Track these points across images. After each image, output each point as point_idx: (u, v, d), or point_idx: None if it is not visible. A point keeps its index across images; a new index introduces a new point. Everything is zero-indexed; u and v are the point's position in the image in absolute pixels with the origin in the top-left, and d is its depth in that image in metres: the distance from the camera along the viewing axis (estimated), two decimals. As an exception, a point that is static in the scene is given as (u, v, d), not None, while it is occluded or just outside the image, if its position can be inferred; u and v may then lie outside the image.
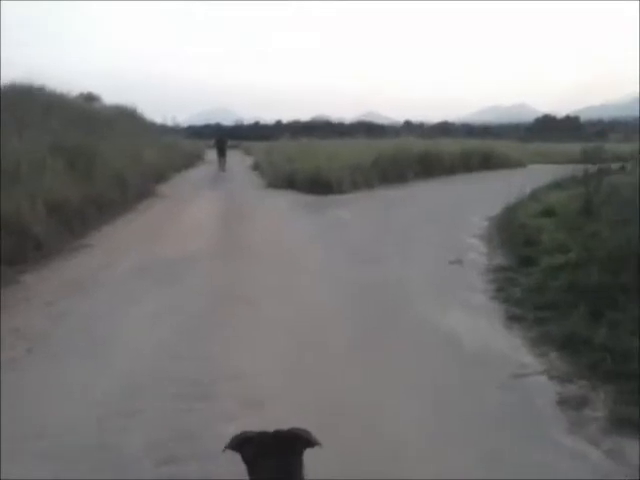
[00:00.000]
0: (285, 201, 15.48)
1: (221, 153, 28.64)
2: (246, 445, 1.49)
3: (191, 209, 14.00)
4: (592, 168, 13.17)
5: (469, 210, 13.54)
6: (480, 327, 5.48)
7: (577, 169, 20.95)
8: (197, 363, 4.64)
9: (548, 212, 11.17)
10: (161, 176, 20.35)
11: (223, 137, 30.70)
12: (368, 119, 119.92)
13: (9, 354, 4.84)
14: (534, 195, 15.64)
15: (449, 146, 27.29)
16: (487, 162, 28.03)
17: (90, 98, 28.49)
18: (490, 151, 29.47)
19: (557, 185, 17.82)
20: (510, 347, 4.94)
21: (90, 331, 5.44)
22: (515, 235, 9.53)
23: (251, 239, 10.05)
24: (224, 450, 1.50)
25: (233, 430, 1.57)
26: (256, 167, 27.61)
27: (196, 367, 4.56)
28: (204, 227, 11.34)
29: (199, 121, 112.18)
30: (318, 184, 17.28)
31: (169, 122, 42.10)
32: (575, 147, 38.74)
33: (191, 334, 5.35)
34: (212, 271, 7.84)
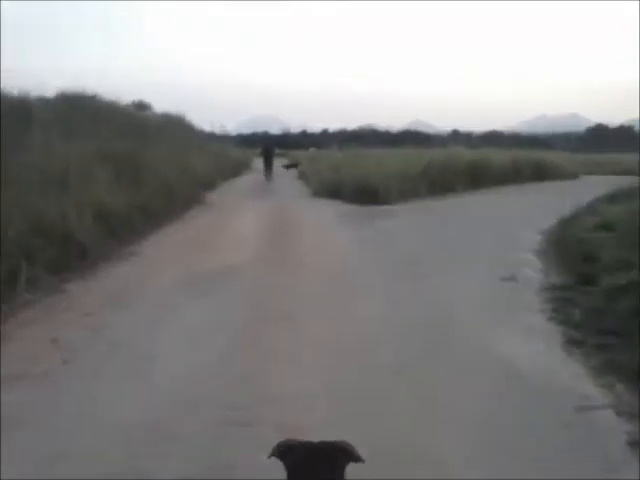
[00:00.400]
0: (331, 211, 15.25)
1: (268, 163, 27.46)
2: (290, 453, 1.48)
3: (237, 218, 13.91)
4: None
5: (521, 223, 13.07)
6: (538, 352, 5.10)
7: (635, 181, 20.36)
8: (235, 384, 4.42)
9: (606, 227, 10.65)
10: (209, 184, 20.41)
11: (270, 146, 29.63)
12: (415, 128, 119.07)
13: (45, 365, 4.73)
14: (590, 208, 15.10)
15: (499, 156, 26.74)
16: (538, 173, 27.40)
17: (141, 106, 28.86)
18: (541, 161, 28.80)
19: (614, 198, 17.15)
20: (571, 376, 4.56)
21: (128, 345, 5.29)
22: (572, 251, 9.10)
23: (297, 252, 9.84)
24: (269, 457, 1.50)
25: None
26: (302, 176, 27.57)
27: (234, 388, 4.34)
28: (249, 238, 11.19)
29: (247, 129, 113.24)
30: (364, 194, 17.01)
31: (217, 130, 42.35)
32: (630, 158, 37.68)
33: (232, 352, 5.14)
34: (256, 285, 7.62)
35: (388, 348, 5.29)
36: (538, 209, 15.89)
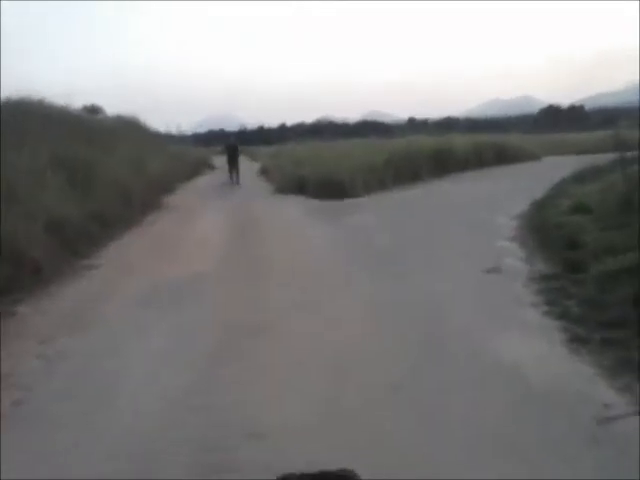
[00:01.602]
0: (297, 208, 14.71)
1: (232, 162, 23.39)
2: None
3: (199, 221, 13.29)
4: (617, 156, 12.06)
5: (493, 208, 12.76)
6: (541, 353, 4.70)
7: (595, 159, 20.32)
8: (213, 418, 3.87)
9: (581, 208, 10.37)
10: (168, 186, 19.69)
11: (234, 143, 25.14)
12: (372, 118, 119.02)
13: (-7, 408, 4.12)
14: (560, 190, 14.91)
15: (460, 141, 26.55)
16: (500, 156, 27.34)
17: (93, 110, 27.91)
18: (502, 145, 28.74)
19: (581, 177, 17.05)
20: (584, 379, 4.14)
21: (89, 377, 4.71)
22: (552, 236, 8.78)
23: (265, 254, 9.28)
24: None
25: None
26: (263, 172, 26.94)
27: (212, 423, 3.79)
28: (214, 241, 10.60)
29: (203, 128, 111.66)
30: (330, 188, 16.49)
31: (173, 131, 41.37)
32: (584, 137, 38.00)
33: (205, 377, 4.60)
34: (224, 295, 7.06)
35: (378, 359, 4.82)
36: (507, 193, 15.63)
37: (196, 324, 5.94)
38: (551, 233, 9.01)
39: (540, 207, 12.16)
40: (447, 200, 15.15)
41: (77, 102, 22.21)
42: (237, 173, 23.16)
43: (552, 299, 6.00)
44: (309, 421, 3.77)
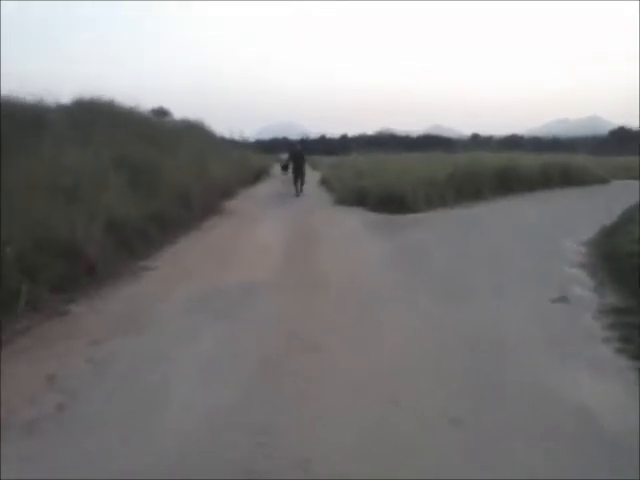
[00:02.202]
0: (357, 221, 14.41)
1: (298, 172, 21.93)
2: None
3: (258, 228, 13.20)
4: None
5: (560, 232, 12.21)
6: (615, 396, 4.31)
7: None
8: (255, 438, 3.67)
9: (656, 237, 9.76)
10: (229, 191, 19.76)
11: (300, 151, 22.88)
12: (435, 132, 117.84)
13: (35, 411, 4.03)
14: (631, 216, 14.18)
15: (527, 160, 25.78)
16: (566, 177, 26.36)
17: (160, 113, 28.39)
18: (569, 165, 27.71)
19: (653, 204, 16.20)
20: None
21: (134, 384, 4.58)
22: (624, 266, 8.26)
23: (323, 266, 9.06)
24: None
25: None
26: (324, 182, 26.76)
27: (253, 444, 3.59)
28: (271, 250, 10.45)
29: (266, 135, 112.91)
30: (391, 201, 16.19)
31: (237, 136, 41.80)
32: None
33: (252, 393, 4.41)
34: (279, 306, 6.87)
35: (435, 389, 4.51)
36: (575, 217, 15.01)
37: (248, 334, 5.78)
38: (623, 262, 8.49)
39: (610, 233, 11.56)
40: (511, 221, 14.61)
41: (146, 104, 22.59)
42: (302, 182, 22.11)
43: (626, 335, 5.56)
44: (354, 447, 3.52)
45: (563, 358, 5.15)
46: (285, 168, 32.03)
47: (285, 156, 38.33)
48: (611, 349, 5.27)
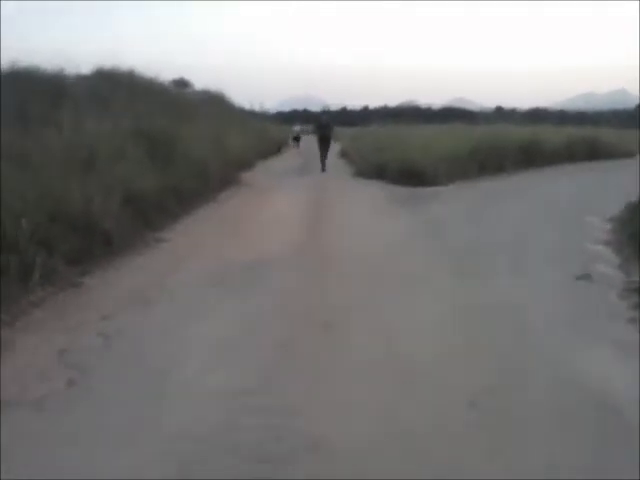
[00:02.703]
0: (376, 193, 14.23)
1: (324, 144, 20.05)
2: None
3: (275, 200, 13.08)
4: None
5: (585, 207, 11.91)
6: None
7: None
8: (266, 420, 3.53)
9: (687, 214, 9.46)
10: (247, 163, 19.64)
11: (326, 122, 21.00)
12: (457, 105, 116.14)
13: (44, 387, 3.93)
14: (659, 191, 13.81)
15: (552, 134, 25.24)
16: (592, 151, 25.78)
17: (181, 84, 28.21)
18: (594, 139, 27.08)
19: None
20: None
21: (145, 359, 4.49)
22: (652, 243, 8.00)
23: (341, 241, 8.90)
24: None
25: None
26: (343, 154, 26.52)
27: (265, 426, 3.46)
28: (288, 222, 10.33)
29: (287, 107, 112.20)
30: (411, 174, 15.92)
31: (257, 108, 41.61)
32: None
33: (264, 372, 4.28)
34: (294, 282, 6.71)
35: (455, 373, 4.31)
36: (600, 191, 14.63)
37: (261, 310, 5.66)
38: (651, 239, 8.22)
39: (637, 209, 11.24)
40: (534, 195, 14.31)
41: (166, 75, 22.46)
42: (325, 157, 20.32)
43: (653, 315, 5.36)
44: (370, 434, 3.41)
45: (584, 338, 4.95)
46: (297, 139, 31.94)
47: (297, 127, 38.17)
48: (637, 329, 5.08)
